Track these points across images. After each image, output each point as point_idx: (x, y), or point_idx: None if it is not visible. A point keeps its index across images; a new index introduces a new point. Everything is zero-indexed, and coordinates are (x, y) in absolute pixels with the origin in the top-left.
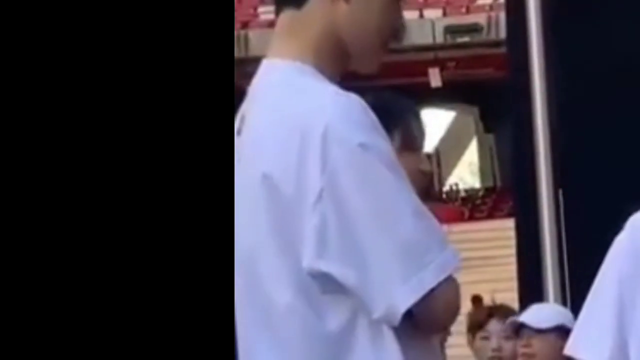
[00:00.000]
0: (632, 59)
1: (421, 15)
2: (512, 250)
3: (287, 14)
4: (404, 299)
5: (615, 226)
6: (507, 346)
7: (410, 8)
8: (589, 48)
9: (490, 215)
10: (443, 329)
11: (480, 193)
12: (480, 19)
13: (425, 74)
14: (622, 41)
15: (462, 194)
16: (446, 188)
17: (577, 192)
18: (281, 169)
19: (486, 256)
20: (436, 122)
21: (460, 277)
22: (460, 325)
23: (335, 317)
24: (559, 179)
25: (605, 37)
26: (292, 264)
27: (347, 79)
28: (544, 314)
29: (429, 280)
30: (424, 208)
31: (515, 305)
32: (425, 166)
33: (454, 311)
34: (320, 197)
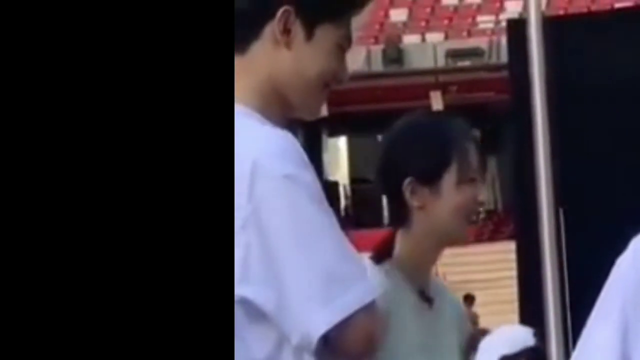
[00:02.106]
0: (634, 82)
1: (423, 39)
2: (513, 273)
3: None
4: (320, 324)
5: (616, 247)
6: None
7: (412, 32)
8: (590, 71)
9: (492, 238)
10: (359, 357)
11: (482, 216)
12: (481, 42)
13: (427, 97)
14: (624, 64)
15: None
16: None
17: (578, 213)
18: None
19: (487, 278)
20: None
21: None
22: None
23: (262, 346)
24: (560, 201)
25: (606, 60)
26: None
27: (344, 104)
28: (506, 339)
29: (348, 306)
30: (345, 240)
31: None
32: (483, 197)
33: (372, 341)
34: (244, 225)
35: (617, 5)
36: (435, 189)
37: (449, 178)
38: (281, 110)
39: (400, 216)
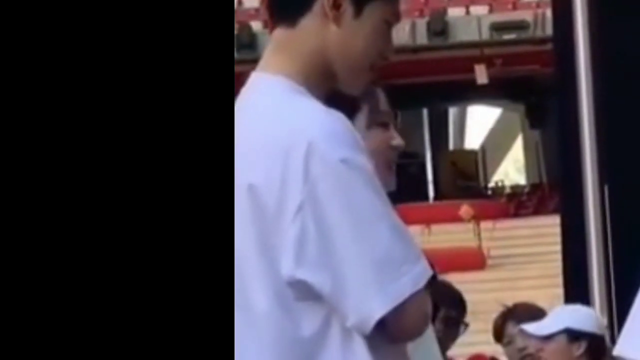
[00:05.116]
0: None
1: (467, 12)
2: (558, 247)
3: (281, 31)
4: (378, 308)
5: None
6: (532, 342)
7: (457, 4)
8: (636, 44)
9: (536, 212)
10: (413, 338)
11: (526, 189)
12: (526, 15)
13: (472, 70)
14: None
15: (508, 190)
16: (492, 184)
17: (622, 188)
18: (266, 181)
19: (531, 253)
20: (482, 118)
21: (505, 274)
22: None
23: (309, 323)
24: (605, 176)
25: None
26: (272, 271)
27: (388, 77)
28: (545, 320)
29: (404, 290)
30: (400, 222)
31: (561, 302)
32: (397, 142)
33: (425, 322)
34: (300, 208)
35: None
36: None
37: (359, 122)
38: (324, 84)
39: None
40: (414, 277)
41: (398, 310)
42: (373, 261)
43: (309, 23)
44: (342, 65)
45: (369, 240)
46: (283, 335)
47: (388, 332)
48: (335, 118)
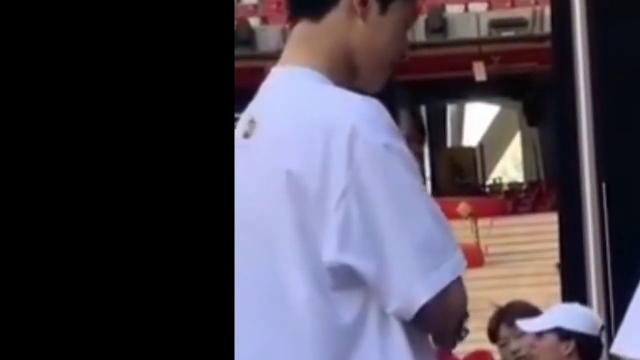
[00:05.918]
0: None
1: (466, 9)
2: (556, 244)
3: (304, 25)
4: (423, 293)
5: None
6: (524, 342)
7: (456, 2)
8: (634, 42)
9: (534, 209)
10: (450, 327)
11: (524, 187)
12: (525, 13)
13: (470, 67)
14: None
15: (506, 187)
16: (489, 182)
17: (620, 185)
18: (306, 167)
19: (529, 250)
20: (480, 116)
21: (503, 271)
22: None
23: (348, 311)
24: (603, 173)
25: None
26: (312, 258)
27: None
28: (539, 318)
29: (446, 276)
30: (439, 210)
31: (558, 299)
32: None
33: (463, 310)
34: (345, 193)
35: None
36: None
37: None
38: (346, 79)
39: None
40: (453, 265)
41: (440, 297)
42: (416, 246)
43: (335, 17)
44: (366, 60)
45: (412, 225)
46: (324, 323)
47: (426, 319)
48: (371, 104)
